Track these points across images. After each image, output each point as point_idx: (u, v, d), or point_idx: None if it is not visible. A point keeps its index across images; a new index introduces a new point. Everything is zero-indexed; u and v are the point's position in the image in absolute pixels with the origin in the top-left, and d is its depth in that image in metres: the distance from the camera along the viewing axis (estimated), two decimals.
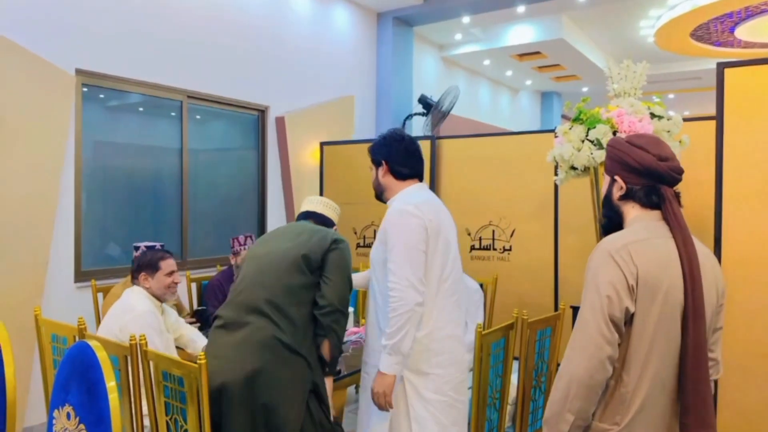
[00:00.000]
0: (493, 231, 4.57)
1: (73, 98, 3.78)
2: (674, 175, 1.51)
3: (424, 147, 4.84)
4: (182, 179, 4.67)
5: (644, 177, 1.51)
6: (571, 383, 1.41)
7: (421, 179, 2.30)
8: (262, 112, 5.36)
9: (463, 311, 2.26)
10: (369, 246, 4.96)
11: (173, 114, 4.65)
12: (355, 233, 5.09)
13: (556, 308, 4.20)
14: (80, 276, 3.90)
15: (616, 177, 1.57)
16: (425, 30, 7.53)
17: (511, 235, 4.49)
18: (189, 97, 4.67)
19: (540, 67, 9.70)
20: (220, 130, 5.19)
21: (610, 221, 1.60)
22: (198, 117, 4.88)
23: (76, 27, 3.84)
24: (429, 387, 2.09)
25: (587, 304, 1.43)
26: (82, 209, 3.96)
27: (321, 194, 5.22)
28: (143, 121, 4.50)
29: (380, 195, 2.34)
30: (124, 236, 4.27)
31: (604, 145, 3.02)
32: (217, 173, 5.05)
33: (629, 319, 1.42)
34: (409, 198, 2.18)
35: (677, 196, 1.53)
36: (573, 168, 3.27)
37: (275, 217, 5.42)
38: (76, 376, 1.47)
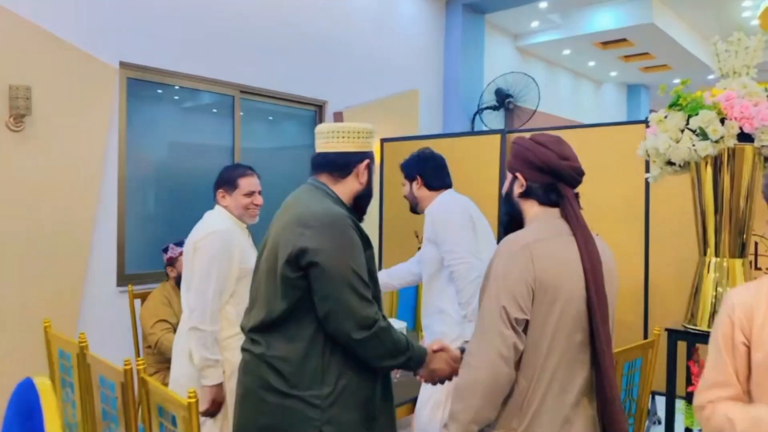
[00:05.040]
0: None
1: (115, 93, 3.61)
2: (574, 175, 1.53)
3: (494, 142, 4.36)
4: None
5: (545, 174, 1.53)
6: (475, 388, 1.39)
7: (450, 187, 2.64)
8: (320, 107, 5.07)
9: None
10: None
11: (224, 110, 4.43)
12: (418, 238, 4.68)
13: (646, 330, 3.62)
14: (123, 280, 3.72)
15: (518, 174, 1.57)
16: (498, 17, 7.01)
17: None
18: (242, 92, 4.44)
19: (626, 57, 8.90)
20: (275, 127, 4.93)
21: (510, 218, 1.61)
22: (251, 113, 4.64)
23: (119, 17, 3.66)
24: None
25: (487, 309, 1.42)
26: (126, 209, 3.79)
27: (381, 197, 4.82)
28: (192, 118, 4.30)
29: (415, 207, 2.68)
30: (170, 238, 4.07)
31: (710, 135, 2.48)
32: (270, 172, 4.79)
33: (526, 322, 1.42)
34: (445, 199, 2.55)
35: (577, 196, 1.55)
36: (669, 163, 2.74)
37: None
38: (17, 421, 1.18)
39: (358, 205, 1.77)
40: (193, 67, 4.07)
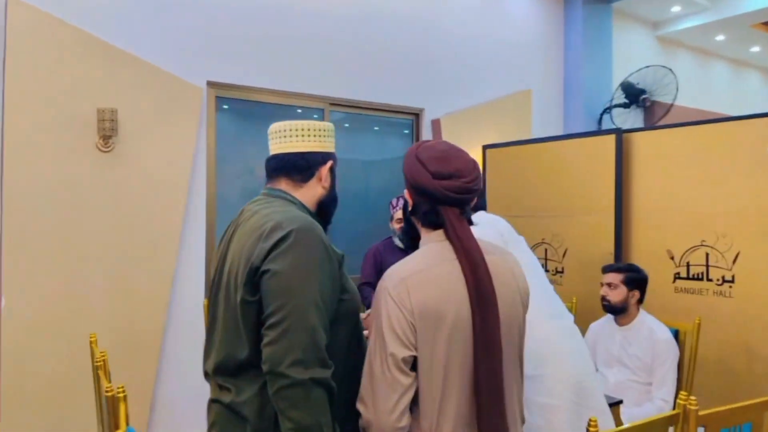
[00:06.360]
0: (707, 254, 3.39)
1: (202, 112, 3.69)
2: (452, 196, 1.39)
3: (608, 143, 3.85)
4: None
5: (422, 196, 1.43)
6: None
7: (484, 209, 2.43)
8: (417, 115, 4.83)
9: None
10: None
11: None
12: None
13: None
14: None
15: (406, 191, 1.50)
16: (629, 5, 6.26)
17: (734, 261, 3.28)
18: (332, 104, 4.35)
19: None
20: (368, 138, 4.78)
21: (407, 235, 1.54)
22: (346, 125, 4.55)
23: (205, 38, 3.74)
24: (540, 390, 1.93)
25: (374, 354, 1.33)
26: (216, 224, 3.86)
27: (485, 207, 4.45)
28: None
29: None
30: None
31: None
32: (364, 184, 4.66)
33: (414, 360, 1.33)
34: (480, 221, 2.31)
35: (463, 213, 1.42)
36: None
37: None
38: None
39: (323, 212, 1.56)
40: (281, 82, 4.06)
